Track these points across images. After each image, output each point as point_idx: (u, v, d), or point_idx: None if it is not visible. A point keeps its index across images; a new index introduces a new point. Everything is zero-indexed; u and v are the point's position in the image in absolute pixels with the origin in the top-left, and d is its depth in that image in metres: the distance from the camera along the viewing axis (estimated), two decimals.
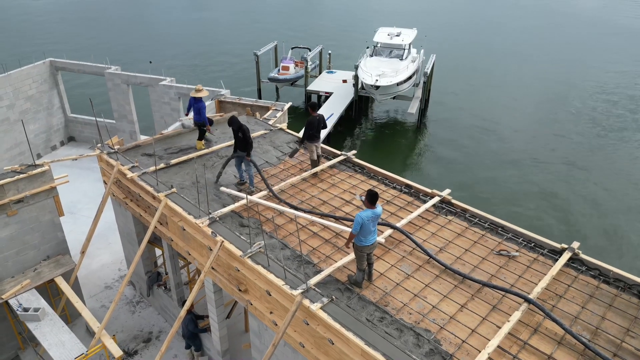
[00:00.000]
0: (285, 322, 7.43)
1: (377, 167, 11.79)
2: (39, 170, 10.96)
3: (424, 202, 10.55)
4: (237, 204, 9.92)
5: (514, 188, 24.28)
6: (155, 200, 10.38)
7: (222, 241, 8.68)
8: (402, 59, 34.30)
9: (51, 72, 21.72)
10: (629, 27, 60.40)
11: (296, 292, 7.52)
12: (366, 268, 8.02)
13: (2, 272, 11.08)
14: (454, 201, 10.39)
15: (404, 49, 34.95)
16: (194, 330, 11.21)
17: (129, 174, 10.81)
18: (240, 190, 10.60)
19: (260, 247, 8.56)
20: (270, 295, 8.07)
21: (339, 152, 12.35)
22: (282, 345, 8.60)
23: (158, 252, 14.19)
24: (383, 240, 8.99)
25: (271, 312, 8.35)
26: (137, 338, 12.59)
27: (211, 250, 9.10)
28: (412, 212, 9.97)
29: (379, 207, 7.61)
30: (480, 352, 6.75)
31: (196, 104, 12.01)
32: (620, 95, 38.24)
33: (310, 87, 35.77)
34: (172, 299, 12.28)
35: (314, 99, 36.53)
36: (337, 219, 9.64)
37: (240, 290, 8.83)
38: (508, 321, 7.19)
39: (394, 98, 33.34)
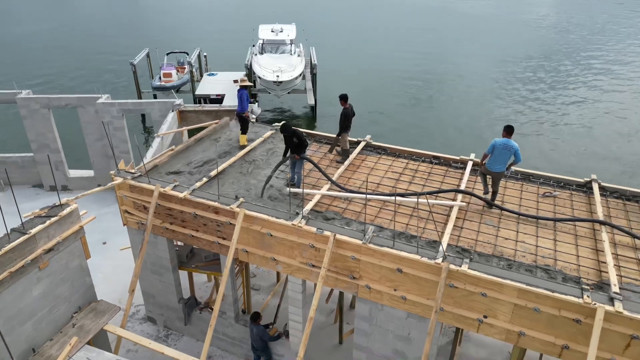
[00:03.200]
0: (440, 290, 8.02)
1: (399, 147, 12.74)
2: (68, 210, 9.49)
3: (457, 168, 11.84)
4: (314, 200, 9.98)
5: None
6: (221, 215, 9.85)
7: (334, 235, 8.81)
8: (291, 54, 35.32)
9: None
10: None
11: (440, 261, 8.16)
12: (490, 194, 10.15)
13: (37, 338, 9.39)
14: None
15: (291, 44, 36.02)
16: (270, 339, 10.91)
17: (181, 194, 10.00)
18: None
19: (374, 232, 8.93)
20: (401, 272, 8.53)
21: (356, 140, 12.94)
22: (404, 319, 9.15)
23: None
24: (464, 204, 10.04)
25: (395, 290, 8.82)
26: None
27: (313, 247, 9.13)
28: (461, 179, 11.16)
29: (513, 142, 9.40)
30: (600, 271, 8.26)
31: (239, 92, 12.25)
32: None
33: (199, 92, 34.65)
34: (227, 317, 11.64)
35: (204, 102, 35.45)
36: (410, 195, 10.36)
37: (354, 278, 9.08)
38: (602, 241, 8.85)
39: (289, 93, 34.19)
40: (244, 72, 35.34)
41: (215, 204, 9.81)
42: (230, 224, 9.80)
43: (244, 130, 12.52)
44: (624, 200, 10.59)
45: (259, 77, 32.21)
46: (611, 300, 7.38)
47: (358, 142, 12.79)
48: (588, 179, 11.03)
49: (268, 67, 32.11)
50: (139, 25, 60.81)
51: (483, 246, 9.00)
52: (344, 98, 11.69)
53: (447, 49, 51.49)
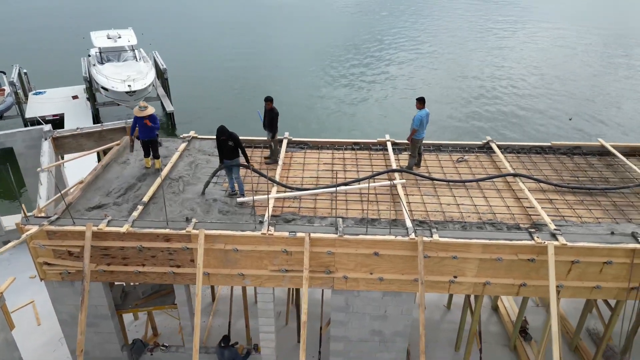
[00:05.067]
0: (420, 263, 8.63)
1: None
2: None
3: (379, 150, 12.61)
4: (271, 205, 9.70)
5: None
6: (174, 242, 8.98)
7: (309, 234, 8.77)
8: (137, 60, 32.81)
9: None
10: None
11: (413, 237, 8.75)
12: (417, 157, 11.38)
13: None
14: (398, 141, 12.82)
15: (133, 50, 33.41)
16: (243, 359, 10.40)
17: (121, 229, 8.80)
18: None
19: (346, 225, 9.13)
20: (377, 255, 8.92)
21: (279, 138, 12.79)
22: (380, 299, 9.62)
23: None
24: (404, 182, 10.79)
25: (371, 273, 9.21)
26: None
27: (286, 252, 8.97)
28: (388, 159, 11.93)
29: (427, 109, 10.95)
30: (529, 215, 9.78)
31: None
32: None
33: (30, 114, 30.15)
34: (185, 350, 10.68)
35: (39, 125, 30.71)
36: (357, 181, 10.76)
37: (330, 272, 9.19)
38: (522, 190, 10.44)
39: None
40: (84, 86, 31.74)
41: (166, 230, 8.90)
42: (187, 248, 9.02)
43: (145, 154, 11.46)
44: (516, 153, 12.56)
45: (106, 89, 29.29)
46: (554, 236, 8.85)
47: (280, 141, 12.69)
48: (485, 141, 12.78)
49: (116, 77, 29.41)
50: None
51: (434, 215, 9.89)
52: (270, 100, 11.37)
53: (271, 41, 53.18)
